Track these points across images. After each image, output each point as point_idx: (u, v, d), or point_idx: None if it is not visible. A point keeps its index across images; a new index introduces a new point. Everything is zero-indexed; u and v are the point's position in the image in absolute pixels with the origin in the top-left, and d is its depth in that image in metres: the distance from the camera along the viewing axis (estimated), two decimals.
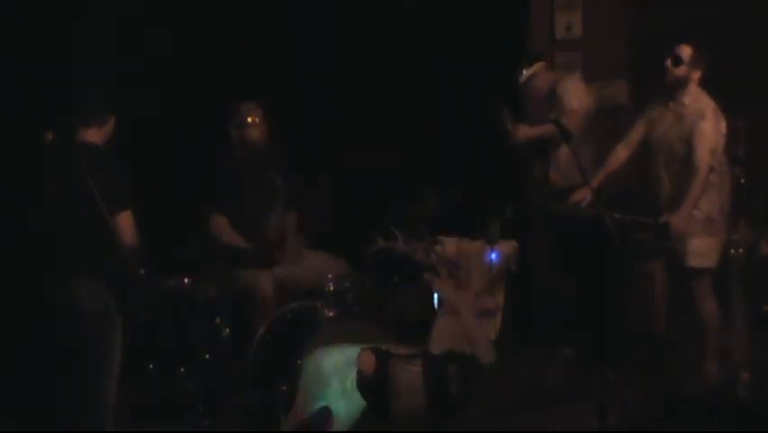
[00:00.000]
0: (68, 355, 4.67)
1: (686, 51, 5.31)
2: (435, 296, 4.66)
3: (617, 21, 6.89)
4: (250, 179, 5.78)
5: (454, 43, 6.81)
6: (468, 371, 4.26)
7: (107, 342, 4.67)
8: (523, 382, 5.72)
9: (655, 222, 5.26)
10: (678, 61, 5.31)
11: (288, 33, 6.85)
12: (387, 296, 4.72)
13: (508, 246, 6.23)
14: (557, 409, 5.27)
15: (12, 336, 5.22)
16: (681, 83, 5.34)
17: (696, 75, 5.34)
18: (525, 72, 5.92)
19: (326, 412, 4.40)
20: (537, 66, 5.94)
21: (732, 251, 5.44)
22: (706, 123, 5.28)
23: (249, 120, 5.74)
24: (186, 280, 5.32)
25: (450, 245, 6.03)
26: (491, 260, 6.08)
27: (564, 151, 5.76)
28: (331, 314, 5.18)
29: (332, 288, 5.31)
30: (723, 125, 5.35)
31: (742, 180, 5.40)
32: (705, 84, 5.39)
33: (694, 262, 5.37)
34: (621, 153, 5.61)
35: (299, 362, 4.70)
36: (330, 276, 5.36)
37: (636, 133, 5.58)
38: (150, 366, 5.24)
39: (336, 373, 4.40)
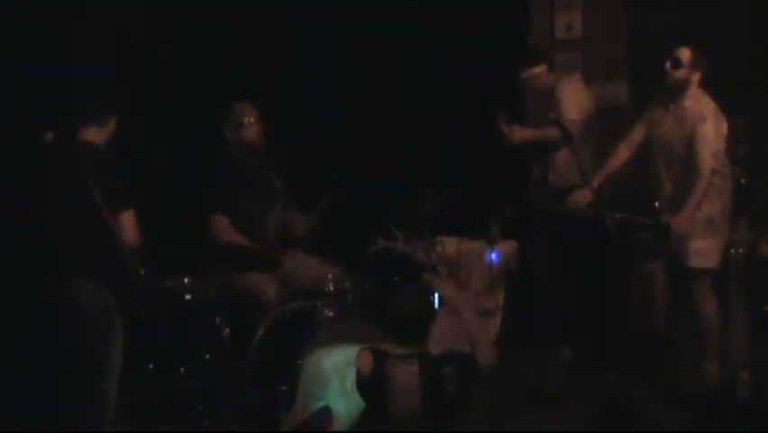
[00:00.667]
0: (68, 355, 4.67)
1: (685, 54, 5.30)
2: (436, 296, 4.66)
3: (617, 21, 6.89)
4: (248, 180, 5.78)
5: (454, 43, 6.81)
6: (466, 371, 4.25)
7: (107, 342, 4.67)
8: (523, 382, 5.72)
9: (656, 222, 5.26)
10: (677, 64, 5.31)
11: (288, 33, 6.85)
12: (387, 296, 4.71)
13: (508, 246, 6.23)
14: (557, 409, 5.27)
15: (12, 336, 5.22)
16: (682, 85, 5.34)
17: (696, 77, 5.34)
18: (527, 70, 5.91)
19: (326, 412, 4.40)
20: (540, 68, 5.93)
21: (732, 251, 5.44)
22: (707, 125, 5.27)
23: (245, 120, 5.74)
24: (186, 280, 5.32)
25: (450, 245, 6.04)
26: (491, 260, 6.09)
27: (563, 152, 5.76)
28: (331, 314, 5.18)
29: (332, 288, 5.31)
30: (724, 127, 5.34)
31: (742, 180, 5.40)
32: (705, 84, 5.39)
33: (695, 262, 5.37)
34: (621, 154, 5.61)
35: (299, 362, 4.69)
36: (330, 276, 5.36)
37: (637, 134, 5.58)
38: (150, 366, 5.24)
39: (336, 373, 4.40)
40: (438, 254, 5.68)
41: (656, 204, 5.38)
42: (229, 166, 5.79)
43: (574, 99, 5.80)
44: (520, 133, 5.87)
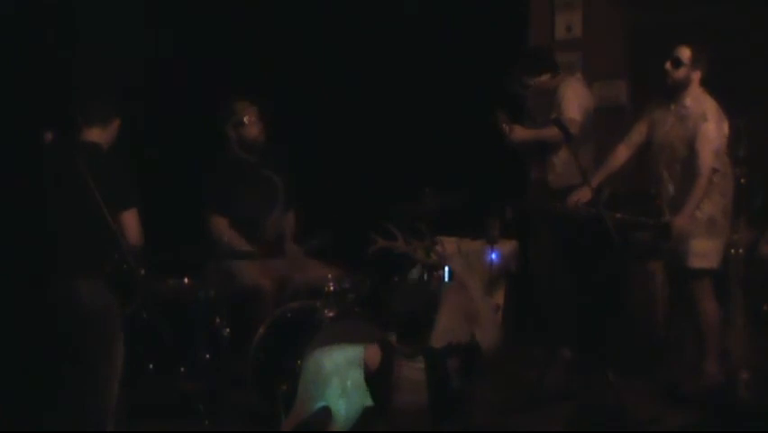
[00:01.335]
0: (69, 356, 4.67)
1: (685, 53, 5.30)
2: (446, 270, 4.67)
3: (617, 21, 6.89)
4: (248, 178, 5.78)
5: (454, 43, 6.81)
6: (470, 360, 4.28)
7: (108, 342, 4.67)
8: (523, 381, 5.72)
9: (656, 222, 5.26)
10: (678, 64, 5.31)
11: (290, 34, 6.85)
12: (389, 294, 4.73)
13: (508, 246, 6.24)
14: (557, 409, 5.27)
15: (12, 336, 5.22)
16: (682, 85, 5.34)
17: (696, 76, 5.34)
18: (534, 78, 5.89)
19: (326, 412, 4.40)
20: (546, 76, 5.91)
21: (732, 251, 5.44)
22: (708, 124, 5.27)
23: (245, 118, 5.74)
24: (186, 280, 5.32)
25: (450, 245, 6.04)
26: (491, 260, 6.09)
27: (562, 153, 5.76)
28: (331, 314, 5.19)
29: (332, 288, 5.31)
30: (725, 126, 5.34)
31: (742, 180, 5.40)
32: (705, 84, 5.39)
33: (696, 263, 5.36)
34: (621, 154, 5.61)
35: (299, 362, 4.69)
36: (330, 276, 5.36)
37: (637, 134, 5.58)
38: (150, 366, 5.24)
39: (336, 373, 4.40)
40: (438, 254, 5.68)
41: (657, 204, 5.38)
42: (229, 164, 5.79)
43: (575, 99, 5.80)
44: (521, 134, 5.87)
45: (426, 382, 4.24)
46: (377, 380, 4.20)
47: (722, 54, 5.52)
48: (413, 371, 4.21)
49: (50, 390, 4.82)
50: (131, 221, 4.67)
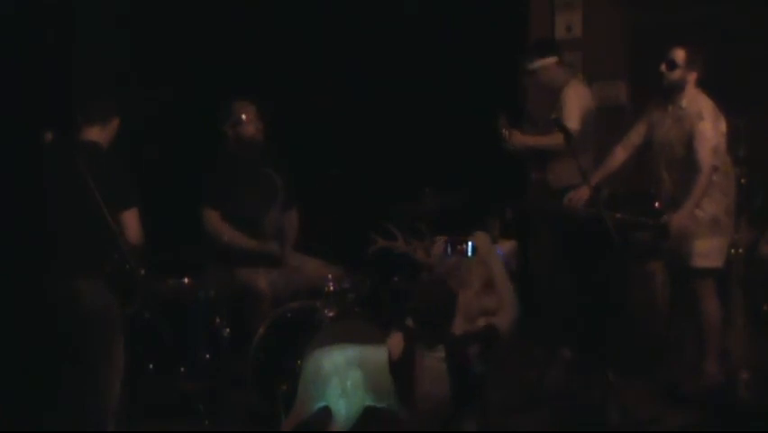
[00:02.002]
0: (69, 355, 4.67)
1: (680, 55, 5.29)
2: (469, 245, 4.69)
3: (617, 21, 6.90)
4: (247, 177, 5.79)
5: (454, 43, 6.81)
6: (489, 343, 4.31)
7: (108, 342, 4.67)
8: (523, 381, 5.72)
9: (655, 222, 5.26)
10: (672, 65, 5.30)
11: (291, 33, 6.86)
12: (408, 294, 4.75)
13: (508, 246, 6.23)
14: (557, 409, 5.27)
15: (12, 336, 5.22)
16: (678, 86, 5.33)
17: (692, 76, 5.33)
18: (536, 60, 5.87)
19: (326, 412, 4.39)
20: (549, 60, 5.88)
21: (732, 251, 5.44)
22: (705, 123, 5.27)
23: (244, 117, 5.75)
24: (186, 280, 5.32)
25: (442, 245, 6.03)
26: None
27: (562, 155, 5.76)
28: (331, 314, 5.19)
29: (332, 288, 5.31)
30: (722, 125, 5.34)
31: (742, 180, 5.40)
32: (704, 84, 5.39)
33: (700, 262, 5.36)
34: (619, 155, 5.61)
35: (299, 362, 4.69)
36: (330, 276, 5.36)
37: (636, 135, 5.58)
38: (151, 366, 5.24)
39: (336, 373, 4.39)
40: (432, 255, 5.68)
41: (657, 204, 5.38)
42: (229, 164, 5.79)
43: (578, 108, 5.78)
44: (521, 139, 5.86)
45: (448, 370, 4.28)
46: (399, 368, 4.21)
47: (722, 54, 5.52)
48: (434, 361, 4.25)
49: (50, 390, 4.82)
50: (131, 221, 4.67)
